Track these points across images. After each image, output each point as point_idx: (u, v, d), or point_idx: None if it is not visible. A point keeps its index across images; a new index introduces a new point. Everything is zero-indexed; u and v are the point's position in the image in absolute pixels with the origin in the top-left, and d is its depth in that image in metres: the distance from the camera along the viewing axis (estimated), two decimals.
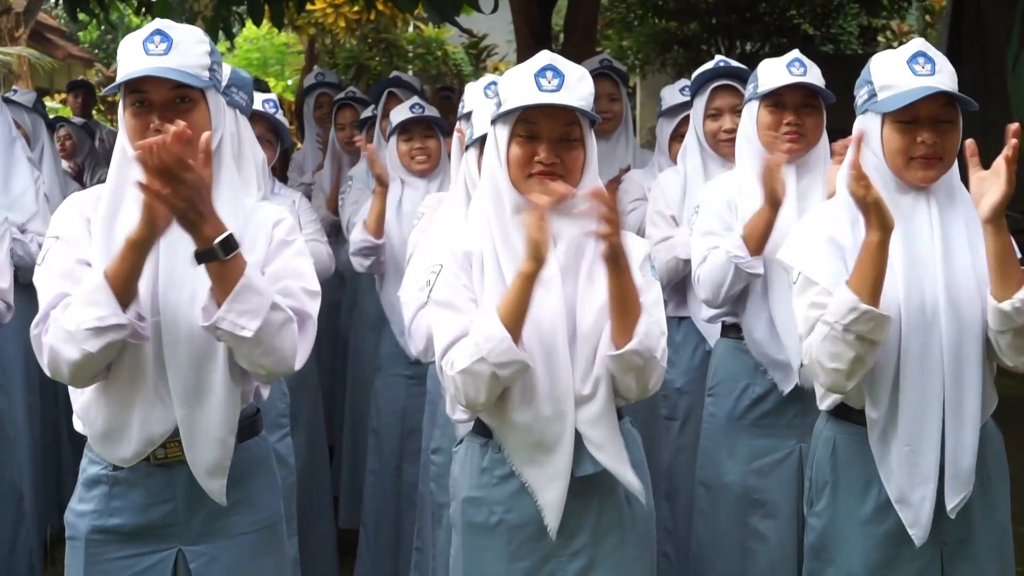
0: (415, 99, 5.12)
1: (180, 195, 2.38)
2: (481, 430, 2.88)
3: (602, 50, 12.08)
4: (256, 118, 4.14)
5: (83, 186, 6.62)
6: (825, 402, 3.08)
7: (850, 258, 2.90)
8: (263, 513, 2.81)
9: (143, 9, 8.38)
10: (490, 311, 2.68)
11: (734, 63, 4.40)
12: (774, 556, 3.78)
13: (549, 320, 2.72)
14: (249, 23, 8.79)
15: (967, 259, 2.87)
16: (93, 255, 2.58)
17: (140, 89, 2.60)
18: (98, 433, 2.65)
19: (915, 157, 2.88)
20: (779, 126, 3.73)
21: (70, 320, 2.47)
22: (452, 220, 3.40)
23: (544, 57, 2.76)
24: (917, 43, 2.96)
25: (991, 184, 2.78)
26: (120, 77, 2.62)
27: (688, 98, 4.55)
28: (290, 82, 22.73)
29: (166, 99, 2.59)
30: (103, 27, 12.33)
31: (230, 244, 2.46)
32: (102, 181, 2.74)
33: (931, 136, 2.87)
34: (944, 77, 2.88)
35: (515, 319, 2.65)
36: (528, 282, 2.64)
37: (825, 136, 3.76)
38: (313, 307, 2.69)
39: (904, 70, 2.89)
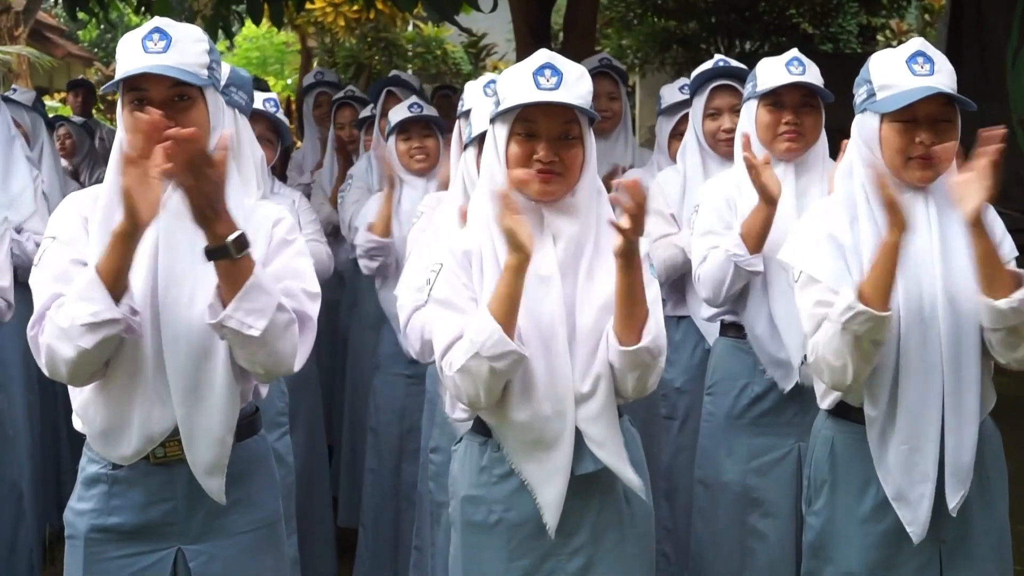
0: (413, 98, 5.13)
1: (203, 190, 2.39)
2: (480, 429, 2.88)
3: (601, 49, 12.08)
4: (256, 117, 4.14)
5: (81, 186, 6.62)
6: (826, 400, 3.08)
7: (850, 256, 2.91)
8: (262, 512, 2.81)
9: (142, 8, 8.38)
10: (482, 308, 2.68)
11: (733, 63, 4.40)
12: (773, 555, 3.78)
13: (548, 318, 2.72)
14: (248, 22, 8.79)
15: (965, 258, 2.87)
16: (90, 255, 2.57)
17: (139, 87, 2.60)
18: (97, 432, 2.65)
19: (913, 157, 2.88)
20: (778, 125, 3.74)
21: (64, 317, 2.47)
22: (450, 219, 3.40)
23: (542, 55, 2.76)
24: (916, 42, 2.96)
25: (971, 188, 2.77)
26: (119, 75, 2.62)
27: (688, 96, 4.55)
28: (289, 81, 22.72)
29: (165, 97, 2.59)
30: (102, 26, 12.31)
31: (242, 243, 2.47)
32: (101, 180, 2.74)
33: (929, 136, 2.87)
34: (943, 77, 2.88)
35: (505, 312, 2.65)
36: (514, 274, 2.64)
37: (824, 135, 3.76)
38: (313, 309, 2.70)
39: (903, 70, 2.89)
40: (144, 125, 2.40)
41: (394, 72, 6.86)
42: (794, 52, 3.79)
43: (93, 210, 2.64)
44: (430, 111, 5.03)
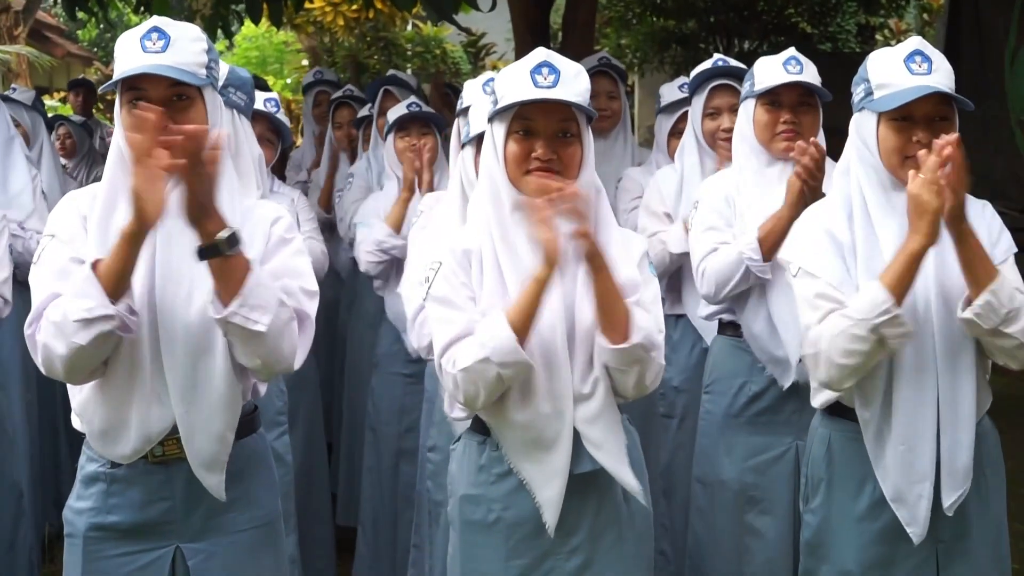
0: (412, 98, 5.13)
1: (198, 188, 2.40)
2: (479, 427, 2.88)
3: (600, 48, 12.08)
4: (256, 117, 4.14)
5: (79, 185, 6.62)
6: (818, 400, 3.08)
7: (848, 255, 2.91)
8: (261, 510, 2.82)
9: (142, 7, 8.37)
10: (498, 312, 2.68)
11: (733, 62, 4.41)
12: (770, 553, 3.78)
13: (548, 318, 2.72)
14: (248, 21, 8.78)
15: None
16: (89, 253, 2.58)
17: (137, 87, 2.61)
18: (96, 430, 2.66)
19: (910, 156, 2.87)
20: (776, 124, 3.74)
21: (58, 314, 2.48)
22: (448, 218, 3.40)
23: (540, 54, 2.77)
24: (914, 41, 2.96)
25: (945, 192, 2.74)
26: (117, 74, 2.63)
27: (687, 95, 4.56)
28: (289, 80, 22.70)
29: (163, 96, 2.60)
30: (102, 25, 12.32)
31: (233, 240, 2.47)
32: (99, 180, 2.75)
33: (927, 135, 2.85)
34: (941, 76, 2.88)
35: (523, 322, 2.65)
36: (540, 286, 2.65)
37: (822, 134, 3.76)
38: (311, 307, 2.70)
39: (901, 69, 2.89)
40: (146, 123, 2.41)
41: (392, 71, 6.86)
42: (791, 51, 3.79)
43: (92, 209, 2.65)
44: (428, 110, 5.03)
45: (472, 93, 3.67)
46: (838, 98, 3.60)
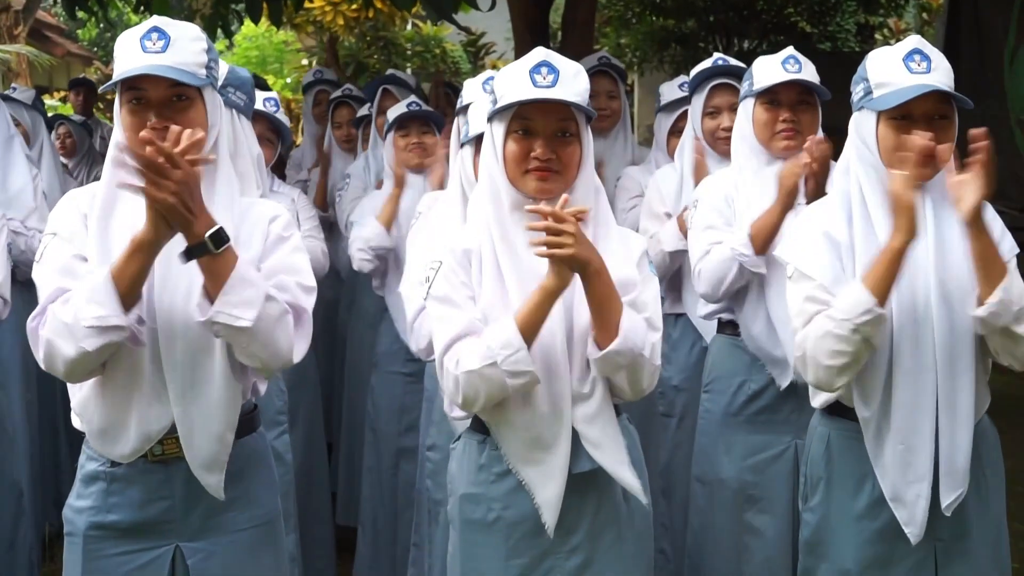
0: (412, 98, 5.13)
1: (168, 191, 2.40)
2: (479, 427, 2.88)
3: (600, 47, 12.09)
4: (256, 117, 4.14)
5: (79, 184, 6.62)
6: (817, 400, 3.09)
7: (845, 254, 2.91)
8: (261, 509, 2.82)
9: (141, 7, 8.37)
10: (507, 319, 2.68)
11: (732, 61, 4.41)
12: (769, 551, 3.79)
13: (547, 318, 2.71)
14: (248, 21, 8.78)
15: (960, 256, 2.87)
16: (89, 251, 2.59)
17: (137, 87, 2.61)
18: (96, 430, 2.66)
19: (902, 143, 2.88)
20: (775, 123, 3.74)
21: (69, 314, 2.48)
22: (447, 217, 3.40)
23: (539, 53, 2.77)
24: (913, 40, 2.96)
25: (968, 188, 2.77)
26: (117, 74, 2.62)
27: (687, 94, 4.56)
28: (289, 80, 22.70)
29: (163, 97, 2.60)
30: (102, 25, 12.33)
31: (221, 238, 2.47)
32: (99, 179, 2.75)
33: (926, 134, 2.86)
34: (940, 75, 2.88)
35: (532, 331, 2.66)
36: (550, 297, 2.65)
37: (821, 133, 3.77)
38: (308, 301, 2.70)
39: (900, 68, 2.89)
40: (147, 151, 2.40)
41: (391, 71, 6.87)
42: (790, 50, 3.79)
43: (91, 207, 2.65)
44: (428, 109, 5.04)
45: (472, 92, 3.67)
46: (837, 97, 3.60)
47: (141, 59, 2.59)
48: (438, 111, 5.38)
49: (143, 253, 2.47)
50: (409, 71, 17.48)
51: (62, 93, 20.59)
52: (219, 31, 8.60)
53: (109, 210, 2.62)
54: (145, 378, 2.60)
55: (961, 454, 2.87)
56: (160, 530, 2.70)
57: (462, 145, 3.44)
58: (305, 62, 20.68)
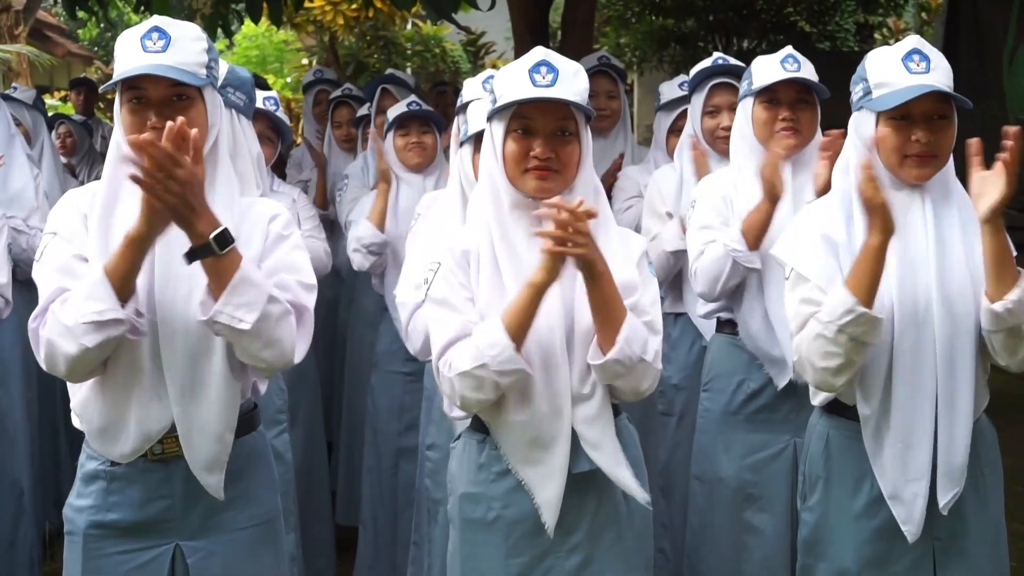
0: (412, 97, 5.14)
1: (171, 191, 2.40)
2: (478, 426, 2.88)
3: (599, 47, 12.09)
4: (256, 115, 4.15)
5: (80, 183, 6.63)
6: (817, 398, 3.09)
7: (843, 255, 2.91)
8: (261, 508, 2.82)
9: (142, 7, 8.37)
10: (494, 318, 2.69)
11: (732, 61, 4.41)
12: (768, 550, 3.79)
13: (546, 319, 2.72)
14: (248, 20, 8.78)
15: (961, 256, 2.87)
16: (90, 251, 2.59)
17: (137, 86, 2.61)
18: (95, 429, 2.66)
19: (909, 155, 2.88)
20: (774, 122, 3.75)
21: (68, 314, 2.48)
22: (446, 217, 3.40)
23: (538, 53, 2.77)
24: (912, 40, 2.96)
25: (991, 184, 2.77)
26: (117, 74, 2.63)
27: (686, 93, 4.56)
28: (289, 79, 22.69)
29: (163, 96, 2.60)
30: (102, 25, 12.33)
31: (225, 239, 2.48)
32: (99, 178, 2.75)
33: (925, 134, 2.86)
34: (939, 75, 2.88)
35: (520, 328, 2.66)
36: (537, 292, 2.65)
37: (819, 132, 3.77)
38: (309, 300, 2.70)
39: (899, 68, 2.89)
40: (148, 148, 2.41)
41: (390, 70, 6.87)
42: (789, 49, 3.80)
43: (92, 207, 2.65)
44: (427, 108, 5.04)
45: (472, 90, 3.67)
46: (837, 97, 3.60)
47: (142, 58, 2.60)
48: (440, 110, 5.39)
49: (136, 247, 2.47)
50: (409, 71, 17.48)
51: (63, 93, 20.59)
52: (219, 31, 8.60)
53: (110, 209, 2.62)
54: (145, 377, 2.61)
55: (959, 453, 2.87)
56: (160, 529, 2.71)
57: (461, 144, 3.44)
58: (305, 62, 20.67)
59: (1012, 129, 2.77)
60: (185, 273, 2.57)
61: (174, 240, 2.56)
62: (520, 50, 7.85)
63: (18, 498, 4.50)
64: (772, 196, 3.60)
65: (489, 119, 2.84)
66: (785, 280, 2.99)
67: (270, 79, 19.46)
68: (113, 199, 2.63)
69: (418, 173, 4.91)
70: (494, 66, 11.48)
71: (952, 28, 10.67)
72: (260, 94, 4.35)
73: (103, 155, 4.35)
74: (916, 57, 2.89)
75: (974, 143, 2.81)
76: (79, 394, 2.67)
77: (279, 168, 6.25)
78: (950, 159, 2.93)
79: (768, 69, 3.75)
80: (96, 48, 27.49)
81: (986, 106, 7.84)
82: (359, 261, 4.84)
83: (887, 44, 3.15)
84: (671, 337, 4.43)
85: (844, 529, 3.00)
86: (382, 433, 4.99)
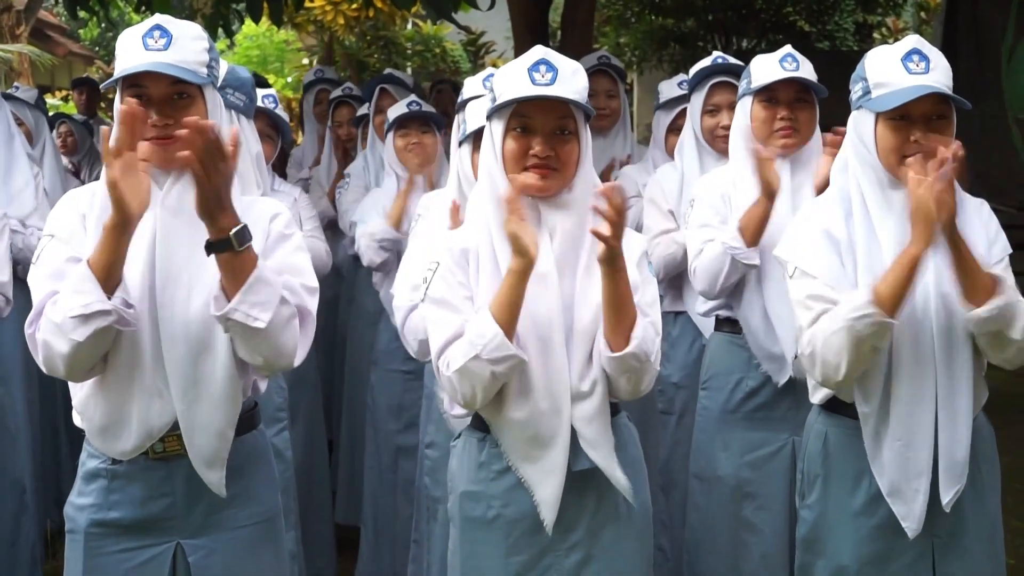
0: (412, 97, 5.14)
1: (214, 183, 2.42)
2: (479, 424, 2.88)
3: (599, 47, 12.11)
4: (256, 114, 4.15)
5: (82, 183, 6.64)
6: (816, 396, 3.09)
7: (845, 253, 2.92)
8: (261, 507, 2.82)
9: (143, 6, 8.37)
10: (484, 310, 2.69)
11: (732, 60, 4.41)
12: (767, 548, 3.80)
13: (546, 315, 2.72)
14: (248, 20, 8.79)
15: None
16: (88, 250, 2.58)
17: (138, 84, 2.61)
18: (97, 427, 2.66)
19: (908, 155, 2.87)
20: (773, 121, 3.75)
21: (57, 312, 2.48)
22: (444, 216, 3.40)
23: (538, 52, 2.77)
24: (912, 40, 2.95)
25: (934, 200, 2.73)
26: (118, 72, 2.63)
27: (686, 92, 4.56)
28: (290, 79, 22.71)
29: (164, 94, 2.61)
30: (103, 24, 12.32)
31: (244, 236, 2.48)
32: (99, 178, 2.76)
33: (924, 134, 2.85)
34: (939, 75, 2.88)
35: (508, 315, 2.66)
36: (518, 278, 2.65)
37: (818, 131, 3.78)
38: (312, 303, 2.71)
39: (898, 68, 2.89)
40: (125, 117, 2.42)
41: (388, 70, 6.88)
42: (788, 48, 3.80)
43: (91, 207, 2.66)
44: (428, 109, 5.04)
45: (472, 88, 3.68)
46: (836, 96, 3.60)
47: (143, 56, 2.60)
48: (440, 109, 5.38)
49: (114, 236, 2.47)
50: (409, 70, 17.50)
51: (64, 92, 20.61)
52: (220, 30, 8.60)
53: (109, 209, 2.62)
54: (146, 375, 2.61)
55: (960, 450, 2.88)
56: (161, 527, 2.71)
57: (460, 143, 3.44)
58: (306, 61, 20.70)
59: (948, 151, 2.74)
60: (186, 271, 2.58)
61: (174, 238, 2.57)
62: (520, 50, 7.86)
63: (20, 496, 4.51)
64: (768, 193, 3.61)
65: (488, 117, 2.84)
66: (788, 277, 2.99)
67: (271, 79, 19.48)
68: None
69: (418, 173, 4.91)
70: (494, 65, 11.51)
71: (951, 27, 10.67)
72: (259, 92, 4.35)
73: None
74: (916, 57, 2.89)
75: (912, 162, 2.77)
76: (80, 392, 2.67)
77: (281, 166, 6.26)
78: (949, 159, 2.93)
79: (767, 68, 3.76)
80: (97, 48, 27.51)
81: (985, 105, 7.86)
82: (369, 257, 4.82)
83: (886, 43, 3.14)
84: (671, 336, 4.43)
85: (843, 527, 3.01)
86: (382, 431, 5.00)
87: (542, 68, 2.73)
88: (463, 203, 3.24)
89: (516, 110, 2.76)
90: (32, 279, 2.63)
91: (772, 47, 5.45)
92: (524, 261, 2.64)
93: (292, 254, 2.73)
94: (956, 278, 2.82)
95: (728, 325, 3.93)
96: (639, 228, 4.42)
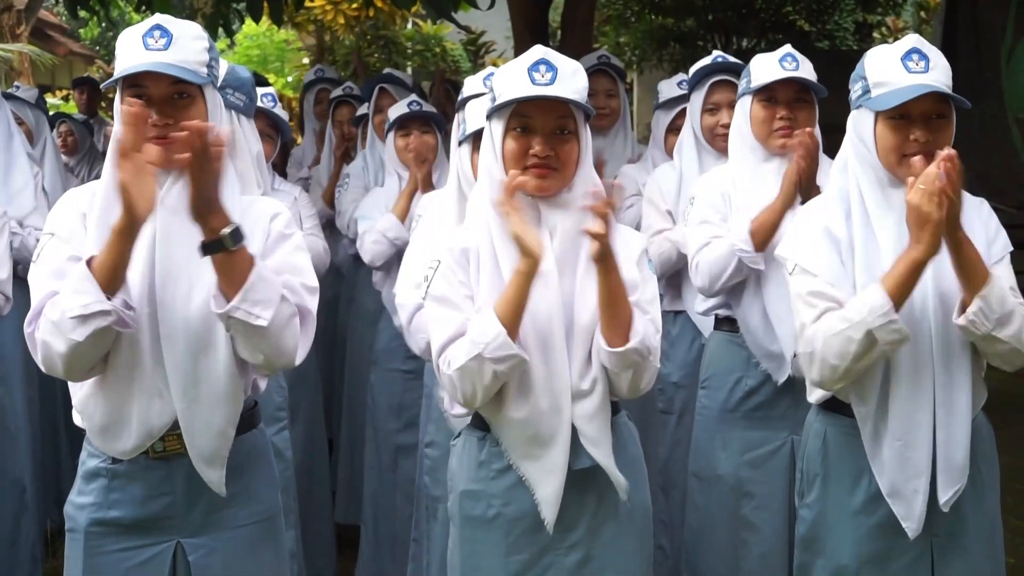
0: (413, 97, 5.14)
1: (204, 182, 2.43)
2: (479, 423, 2.88)
3: (599, 46, 12.11)
4: (255, 113, 4.15)
5: (81, 182, 6.63)
6: (815, 395, 3.09)
7: (845, 252, 2.91)
8: (261, 506, 2.83)
9: (143, 6, 8.38)
10: (487, 309, 2.69)
11: (732, 59, 4.42)
12: (766, 547, 3.80)
13: (546, 314, 2.73)
14: (249, 20, 8.80)
15: None
16: (88, 250, 2.59)
17: (138, 84, 2.61)
18: (97, 427, 2.67)
19: (908, 154, 2.86)
20: (772, 121, 3.75)
21: (56, 311, 2.49)
22: (445, 214, 3.41)
23: (537, 51, 2.77)
24: (912, 39, 2.95)
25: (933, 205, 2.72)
26: (118, 71, 2.64)
27: (686, 91, 4.57)
28: (290, 79, 22.71)
29: (164, 94, 2.61)
30: (104, 24, 12.33)
31: (237, 235, 2.49)
32: (99, 177, 2.76)
33: (924, 134, 2.85)
34: (938, 74, 2.87)
35: (512, 316, 2.66)
36: (524, 279, 2.66)
37: (818, 130, 3.77)
38: (312, 303, 2.72)
39: (898, 67, 2.88)
40: (130, 118, 2.43)
41: (387, 70, 6.88)
42: (787, 48, 3.80)
43: (91, 206, 2.66)
44: (429, 108, 5.05)
45: (473, 86, 3.68)
46: (836, 96, 3.60)
47: (143, 56, 2.60)
48: (439, 108, 5.38)
49: (120, 239, 2.47)
50: (409, 70, 17.49)
51: (64, 92, 20.60)
52: (220, 30, 8.60)
53: (109, 209, 2.61)
54: (146, 374, 2.61)
55: (959, 450, 2.87)
56: (161, 526, 2.72)
57: (459, 143, 3.44)
58: (306, 61, 20.69)
59: (943, 153, 2.74)
60: (185, 270, 2.58)
61: (174, 237, 2.57)
62: (520, 49, 7.86)
63: (20, 495, 4.51)
64: (789, 198, 3.60)
65: (488, 117, 2.85)
66: (789, 275, 2.99)
67: (271, 78, 19.48)
68: (113, 198, 2.61)
69: (419, 171, 4.90)
70: (494, 65, 11.52)
71: (950, 27, 10.68)
72: (257, 91, 4.35)
73: (104, 154, 4.36)
74: (915, 56, 2.89)
75: (916, 162, 2.76)
76: (81, 392, 2.67)
77: (282, 164, 6.26)
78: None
79: (767, 68, 3.76)
80: (98, 47, 27.52)
81: (985, 105, 7.86)
82: (375, 254, 4.79)
83: (886, 43, 3.14)
84: (670, 335, 4.43)
85: (842, 526, 3.00)
86: (382, 431, 5.00)
87: (542, 68, 2.74)
88: (462, 203, 3.24)
89: (516, 110, 2.76)
90: (32, 278, 2.63)
91: (772, 47, 5.45)
92: (530, 262, 2.65)
93: (292, 253, 2.73)
94: (959, 279, 2.82)
95: (727, 324, 3.93)
96: (638, 227, 4.43)
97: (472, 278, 2.81)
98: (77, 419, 2.74)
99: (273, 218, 2.75)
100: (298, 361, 2.68)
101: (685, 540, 4.18)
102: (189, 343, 2.61)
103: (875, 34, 15.74)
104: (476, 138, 3.22)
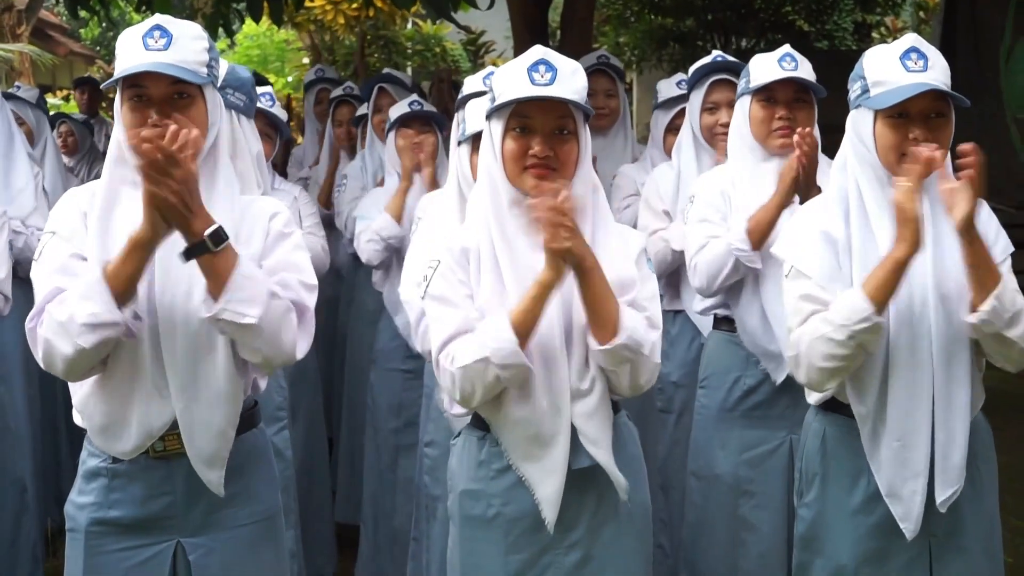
0: (414, 96, 5.14)
1: (168, 189, 2.42)
2: (479, 423, 2.88)
3: (598, 46, 12.11)
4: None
5: (81, 182, 6.64)
6: (813, 396, 3.09)
7: (843, 252, 2.91)
8: (261, 505, 2.83)
9: (143, 6, 8.38)
10: (501, 314, 2.69)
11: (731, 58, 4.42)
12: (764, 546, 3.80)
13: (545, 315, 2.71)
14: (249, 20, 8.80)
15: (957, 254, 2.86)
16: (89, 249, 2.60)
17: (138, 84, 2.62)
18: (97, 426, 2.67)
19: (907, 153, 2.88)
20: (771, 121, 3.75)
21: (64, 312, 2.49)
22: (444, 214, 3.41)
23: (537, 51, 2.77)
24: (910, 38, 2.95)
25: (960, 197, 2.76)
26: (118, 72, 2.64)
27: (684, 91, 4.57)
28: (290, 78, 22.71)
29: (164, 94, 2.61)
30: (104, 24, 12.33)
31: (219, 237, 2.49)
32: (99, 177, 2.77)
33: (923, 132, 2.86)
34: (937, 73, 2.88)
35: (526, 327, 2.66)
36: (545, 290, 2.65)
37: (817, 130, 3.77)
38: (311, 299, 2.71)
39: (897, 66, 2.89)
40: (147, 149, 2.42)
41: (387, 70, 6.89)
42: (786, 48, 3.80)
43: (92, 205, 2.66)
44: (429, 108, 5.05)
45: (473, 86, 3.68)
46: (835, 95, 3.61)
47: (143, 56, 2.60)
48: (440, 107, 5.38)
49: (140, 252, 2.49)
50: (409, 70, 17.50)
51: (64, 92, 20.61)
52: (220, 30, 8.61)
53: (109, 208, 2.63)
54: (146, 375, 2.61)
55: (957, 451, 2.87)
56: (161, 526, 2.72)
57: (459, 143, 3.44)
58: (306, 61, 20.70)
59: (967, 147, 2.75)
60: (185, 271, 2.57)
61: (174, 238, 2.57)
62: (519, 49, 7.87)
63: (21, 495, 4.51)
64: (786, 197, 3.61)
65: (488, 118, 2.85)
66: (784, 277, 3.00)
67: (271, 78, 19.48)
68: (113, 198, 2.64)
69: (419, 172, 4.91)
70: (494, 64, 11.52)
71: (949, 27, 10.68)
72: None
73: (104, 154, 4.36)
74: (914, 55, 2.89)
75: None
76: (81, 391, 2.68)
77: (283, 163, 6.27)
78: (947, 157, 2.93)
79: (766, 68, 3.76)
80: (98, 47, 27.52)
81: (984, 104, 7.87)
82: (371, 252, 4.81)
83: (885, 43, 3.14)
84: (670, 334, 4.43)
85: (841, 525, 3.00)
86: (381, 430, 5.00)
87: (541, 68, 2.73)
88: (462, 203, 3.24)
89: (515, 110, 2.76)
90: (34, 275, 2.64)
91: (771, 47, 5.45)
92: (554, 275, 2.65)
93: (291, 252, 2.73)
94: (968, 278, 2.82)
95: (726, 324, 3.93)
96: (636, 227, 4.43)
97: (472, 278, 2.80)
98: (77, 419, 2.74)
99: (272, 217, 2.75)
100: (299, 356, 2.68)
101: (684, 539, 4.18)
102: (188, 343, 2.61)
103: (874, 34, 15.75)
104: (475, 139, 3.22)
